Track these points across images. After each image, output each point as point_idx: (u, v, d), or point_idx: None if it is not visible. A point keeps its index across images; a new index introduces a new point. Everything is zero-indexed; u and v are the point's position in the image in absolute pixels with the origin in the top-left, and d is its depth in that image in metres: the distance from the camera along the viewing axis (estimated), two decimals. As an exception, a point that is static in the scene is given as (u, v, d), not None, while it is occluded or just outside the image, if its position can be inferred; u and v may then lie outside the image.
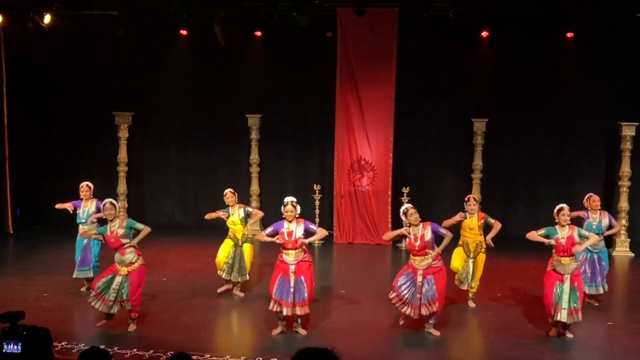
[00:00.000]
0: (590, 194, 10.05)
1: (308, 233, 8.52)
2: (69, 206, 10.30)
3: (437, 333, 8.54)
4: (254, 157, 14.75)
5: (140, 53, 14.42)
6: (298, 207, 8.52)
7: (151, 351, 7.71)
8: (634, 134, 13.29)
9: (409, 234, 8.50)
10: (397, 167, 14.07)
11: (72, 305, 9.60)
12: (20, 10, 12.63)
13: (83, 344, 7.79)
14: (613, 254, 13.22)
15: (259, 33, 14.41)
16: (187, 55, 14.82)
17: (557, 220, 8.42)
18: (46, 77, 14.30)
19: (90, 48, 14.17)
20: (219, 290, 10.15)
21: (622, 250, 13.37)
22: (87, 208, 10.14)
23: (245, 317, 9.41)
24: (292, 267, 8.32)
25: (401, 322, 8.61)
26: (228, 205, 10.17)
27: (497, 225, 9.59)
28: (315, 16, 12.71)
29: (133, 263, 8.42)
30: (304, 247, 8.42)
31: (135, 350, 7.76)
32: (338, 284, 11.32)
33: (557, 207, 8.48)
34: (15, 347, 3.74)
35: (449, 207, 12.25)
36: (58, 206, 10.48)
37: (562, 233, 8.35)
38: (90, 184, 10.34)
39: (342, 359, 3.19)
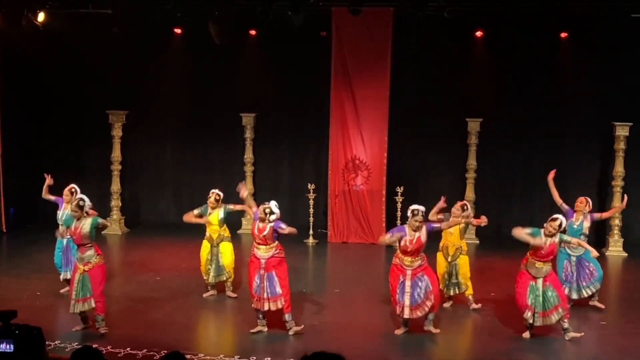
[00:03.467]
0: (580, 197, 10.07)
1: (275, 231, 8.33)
2: (54, 199, 10.15)
3: (436, 330, 8.55)
4: (249, 156, 14.73)
5: (135, 52, 14.37)
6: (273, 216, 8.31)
7: (144, 350, 7.69)
8: (627, 134, 13.33)
9: (405, 237, 8.38)
10: (392, 167, 14.06)
11: (65, 304, 9.52)
12: (14, 9, 12.57)
13: (76, 343, 7.78)
14: (606, 253, 13.25)
15: (253, 32, 14.38)
16: (182, 54, 14.78)
17: (545, 227, 8.35)
18: (40, 76, 14.23)
19: (85, 46, 14.09)
20: (205, 295, 10.04)
21: (616, 250, 13.39)
22: (66, 210, 9.70)
23: (238, 316, 9.38)
24: (262, 262, 8.28)
25: (397, 333, 8.56)
26: (208, 205, 10.00)
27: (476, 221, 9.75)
28: (311, 15, 12.70)
29: (90, 262, 8.29)
30: (276, 242, 8.32)
31: (128, 349, 7.74)
32: (332, 284, 11.31)
33: (552, 218, 8.36)
34: (8, 346, 3.73)
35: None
36: (46, 195, 10.26)
37: (546, 240, 8.30)
38: (75, 188, 9.91)
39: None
